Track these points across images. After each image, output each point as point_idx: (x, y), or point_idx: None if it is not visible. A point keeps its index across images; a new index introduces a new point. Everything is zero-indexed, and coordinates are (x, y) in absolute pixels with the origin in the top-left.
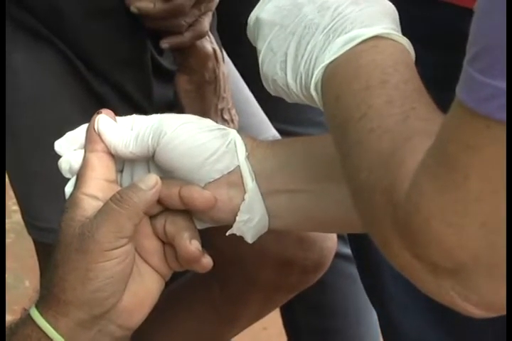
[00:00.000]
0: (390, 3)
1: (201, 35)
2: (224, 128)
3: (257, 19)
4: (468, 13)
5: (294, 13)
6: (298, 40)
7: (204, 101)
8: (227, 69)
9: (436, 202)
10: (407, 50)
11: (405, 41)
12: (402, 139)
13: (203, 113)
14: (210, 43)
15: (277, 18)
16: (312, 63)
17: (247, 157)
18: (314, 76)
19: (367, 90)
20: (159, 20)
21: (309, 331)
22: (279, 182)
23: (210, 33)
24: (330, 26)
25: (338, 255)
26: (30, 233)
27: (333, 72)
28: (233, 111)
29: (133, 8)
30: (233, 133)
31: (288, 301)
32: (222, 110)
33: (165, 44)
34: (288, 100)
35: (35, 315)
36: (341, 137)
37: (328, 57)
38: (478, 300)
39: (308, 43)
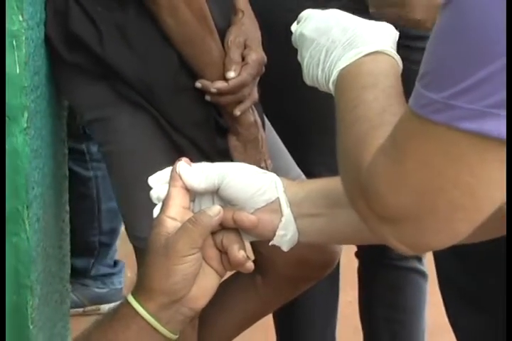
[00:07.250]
0: (393, 27)
1: (255, 100)
2: (266, 172)
3: (301, 34)
4: None
5: (327, 32)
6: (326, 50)
7: (247, 154)
8: (266, 128)
9: (385, 173)
10: (397, 64)
11: (397, 57)
12: (375, 125)
13: (247, 162)
14: (252, 115)
15: (316, 36)
16: (332, 67)
17: (284, 191)
18: (332, 76)
19: (362, 89)
20: (230, 95)
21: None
22: (305, 208)
23: (254, 107)
24: (347, 42)
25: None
26: (131, 240)
27: (344, 75)
28: (269, 161)
29: (213, 90)
30: (273, 175)
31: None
32: (259, 160)
33: (238, 112)
34: (321, 90)
35: (131, 299)
36: (340, 122)
37: (342, 64)
38: (407, 242)
39: (332, 53)
